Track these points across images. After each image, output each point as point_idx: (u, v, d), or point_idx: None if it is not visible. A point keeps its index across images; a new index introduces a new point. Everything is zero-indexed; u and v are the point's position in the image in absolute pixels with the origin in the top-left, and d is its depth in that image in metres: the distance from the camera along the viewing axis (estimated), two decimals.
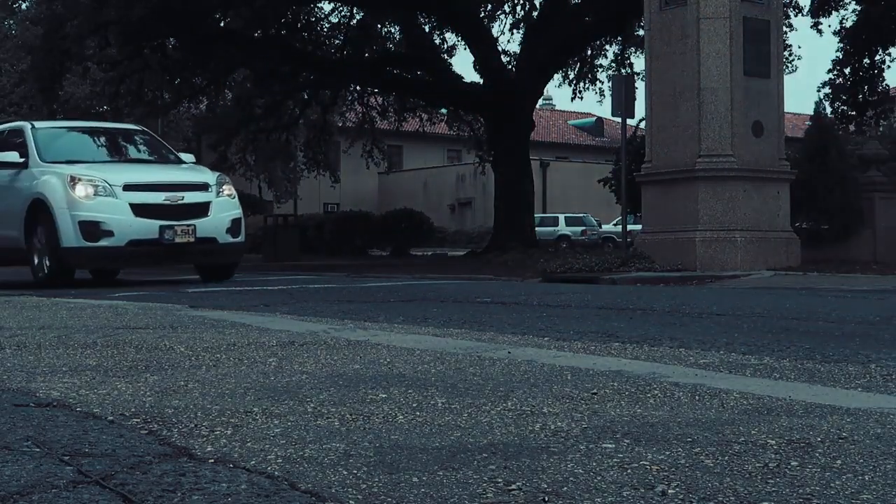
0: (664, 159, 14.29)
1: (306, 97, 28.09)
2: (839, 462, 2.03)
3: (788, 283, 11.00)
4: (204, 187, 11.59)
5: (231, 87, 28.17)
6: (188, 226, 11.22)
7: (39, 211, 11.22)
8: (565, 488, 1.83)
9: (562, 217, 42.84)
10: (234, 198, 11.88)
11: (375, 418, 2.51)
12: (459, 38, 27.16)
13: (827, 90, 24.98)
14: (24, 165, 11.71)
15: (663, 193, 14.29)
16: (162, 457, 2.09)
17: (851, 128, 25.79)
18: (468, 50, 25.83)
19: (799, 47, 61.95)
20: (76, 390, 2.95)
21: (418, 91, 27.46)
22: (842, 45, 24.21)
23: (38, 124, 12.70)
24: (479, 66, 25.49)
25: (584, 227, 41.66)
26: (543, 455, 2.10)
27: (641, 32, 20.65)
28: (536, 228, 26.39)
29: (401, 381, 3.13)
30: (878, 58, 24.50)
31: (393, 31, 28.22)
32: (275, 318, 5.69)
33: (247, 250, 18.31)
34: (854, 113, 24.73)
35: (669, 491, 1.82)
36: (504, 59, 26.26)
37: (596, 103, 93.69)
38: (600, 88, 28.66)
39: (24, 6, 28.86)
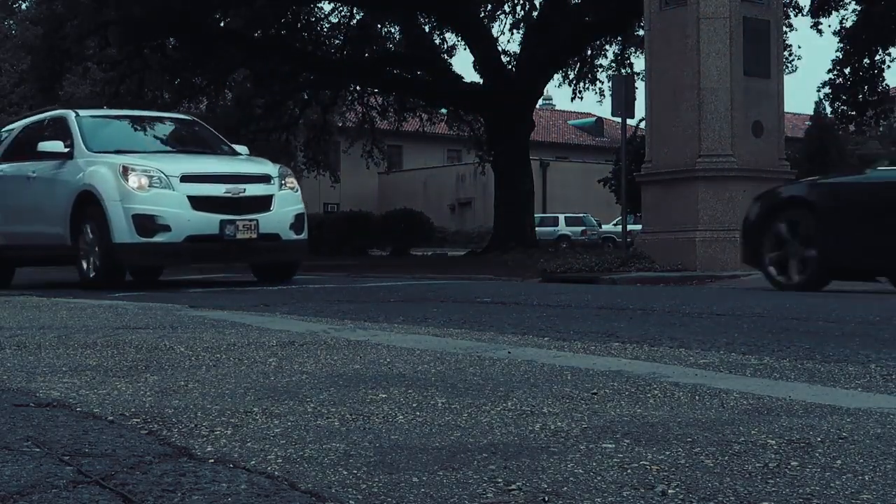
0: (664, 159, 14.29)
1: (306, 97, 28.10)
2: (839, 462, 2.03)
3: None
4: (266, 179, 10.67)
5: (231, 87, 28.17)
6: (250, 221, 10.27)
7: (87, 204, 10.34)
8: (565, 488, 1.83)
9: (562, 217, 42.85)
10: (296, 191, 10.96)
11: (375, 418, 2.51)
12: (459, 38, 27.17)
13: (827, 90, 25.00)
14: (69, 156, 10.80)
15: (663, 193, 14.28)
16: (162, 457, 2.09)
17: (851, 128, 25.81)
18: (468, 50, 25.83)
19: (799, 47, 62.00)
20: (76, 390, 2.95)
21: (418, 91, 27.46)
22: (842, 45, 24.21)
23: (82, 112, 11.80)
24: (479, 66, 25.49)
25: (584, 227, 41.68)
26: (543, 455, 2.10)
27: (641, 32, 20.65)
28: (536, 228, 26.39)
29: (401, 381, 3.13)
30: (878, 58, 24.51)
31: (393, 31, 28.23)
32: (275, 318, 5.69)
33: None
34: (854, 113, 24.75)
35: (669, 491, 1.82)
36: (504, 59, 26.26)
37: (596, 103, 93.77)
38: (600, 88, 28.68)
39: (24, 6, 28.86)
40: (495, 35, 27.15)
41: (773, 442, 2.22)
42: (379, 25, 27.62)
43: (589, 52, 27.86)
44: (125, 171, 10.07)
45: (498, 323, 5.45)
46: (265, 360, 3.66)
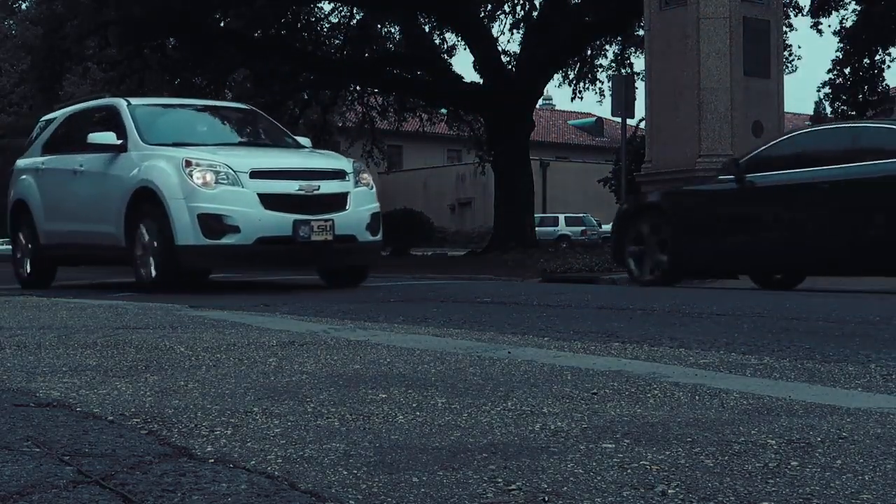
0: (664, 159, 14.29)
1: (306, 97, 28.11)
2: (839, 462, 2.03)
3: (788, 284, 10.98)
4: (340, 175, 9.67)
5: (231, 87, 28.18)
6: (326, 221, 9.28)
7: (144, 202, 9.38)
8: (565, 488, 1.83)
9: (562, 217, 42.85)
10: (372, 188, 9.98)
11: (375, 418, 2.51)
12: (459, 38, 27.17)
13: (827, 90, 25.03)
14: (122, 148, 9.82)
15: None
16: (162, 457, 2.09)
17: None
18: (468, 50, 25.83)
19: (799, 47, 62.01)
20: (76, 390, 2.95)
21: (418, 91, 27.47)
22: (842, 45, 24.23)
23: (133, 101, 10.78)
24: (479, 66, 25.49)
25: (584, 227, 41.67)
26: (543, 455, 2.10)
27: (641, 32, 20.66)
28: (536, 228, 26.39)
29: (401, 381, 3.13)
30: (878, 58, 24.54)
31: (393, 31, 28.24)
32: (275, 318, 5.69)
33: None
34: (854, 113, 24.75)
35: (669, 491, 1.82)
36: (504, 59, 26.26)
37: (596, 103, 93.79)
38: (600, 88, 28.69)
39: (24, 6, 28.86)
40: (495, 35, 27.18)
41: (773, 442, 2.22)
42: (379, 25, 27.63)
43: (589, 52, 27.87)
44: (189, 165, 9.11)
45: (498, 323, 5.45)
46: (265, 360, 3.66)
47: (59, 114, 11.94)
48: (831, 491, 1.82)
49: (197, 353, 3.85)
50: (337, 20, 27.69)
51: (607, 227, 40.88)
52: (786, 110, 15.64)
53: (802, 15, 25.21)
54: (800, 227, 9.45)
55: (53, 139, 11.54)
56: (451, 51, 28.36)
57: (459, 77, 26.04)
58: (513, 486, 1.84)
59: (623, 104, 17.00)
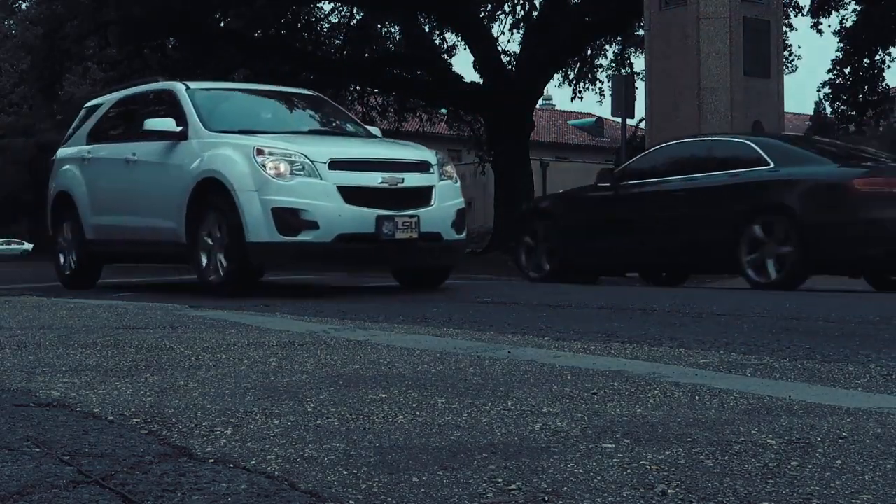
0: None
1: None
2: (839, 462, 2.03)
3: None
4: (424, 167, 8.78)
5: None
6: (411, 217, 8.41)
7: (210, 194, 8.48)
8: (565, 488, 1.83)
9: None
10: (456, 182, 9.12)
11: (375, 418, 2.51)
12: (459, 38, 27.17)
13: (827, 90, 25.00)
14: (182, 136, 8.93)
15: None
16: (162, 457, 2.09)
17: (851, 128, 25.80)
18: (468, 50, 25.82)
19: (799, 47, 61.95)
20: (76, 390, 2.95)
21: (418, 91, 27.46)
22: (842, 45, 24.22)
23: (192, 84, 9.86)
24: (479, 66, 25.49)
25: None
26: (543, 455, 2.09)
27: (641, 32, 20.66)
28: None
29: (401, 381, 3.13)
30: (878, 58, 24.52)
31: (393, 31, 28.24)
32: (275, 318, 5.69)
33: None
34: (854, 113, 24.75)
35: (669, 491, 1.82)
36: (504, 59, 26.26)
37: (596, 103, 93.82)
38: (600, 88, 28.69)
39: (24, 6, 28.88)
40: (495, 35, 27.17)
41: (773, 442, 2.22)
42: (379, 25, 27.63)
43: (589, 52, 27.87)
44: (261, 154, 8.23)
45: (498, 323, 5.45)
46: (265, 360, 3.66)
47: (106, 99, 10.99)
48: (831, 491, 1.82)
49: (197, 353, 3.85)
50: (337, 20, 27.70)
51: None
52: (786, 110, 15.66)
53: (802, 15, 25.21)
54: (654, 230, 10.70)
55: (100, 126, 10.64)
56: (451, 51, 28.36)
57: (459, 77, 26.04)
58: (513, 486, 1.84)
59: (623, 104, 17.01)
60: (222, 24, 25.36)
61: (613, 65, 27.73)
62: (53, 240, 10.90)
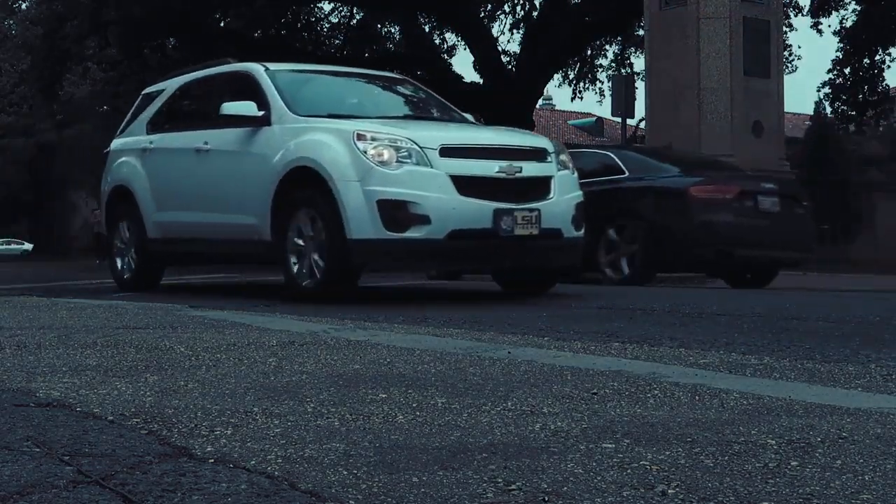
0: None
1: None
2: (839, 462, 2.03)
3: (788, 284, 11.00)
4: (542, 155, 7.76)
5: None
6: (531, 211, 7.41)
7: (300, 185, 7.48)
8: (565, 488, 1.83)
9: None
10: (574, 173, 8.05)
11: (375, 418, 2.51)
12: (459, 38, 27.21)
13: (827, 90, 25.02)
14: (265, 121, 7.94)
15: None
16: (162, 457, 2.09)
17: (851, 128, 25.81)
18: (468, 50, 25.85)
19: (799, 47, 62.00)
20: (76, 390, 2.95)
21: None
22: (842, 45, 24.23)
23: (272, 66, 8.84)
24: (479, 66, 25.51)
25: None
26: (543, 455, 2.09)
27: (641, 32, 20.66)
28: None
29: (401, 381, 3.13)
30: (878, 58, 24.54)
31: (393, 31, 28.27)
32: (275, 318, 5.69)
33: None
34: (854, 113, 24.77)
35: (669, 491, 1.82)
36: (504, 59, 26.29)
37: (596, 103, 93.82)
38: (600, 88, 28.72)
39: (24, 6, 28.90)
40: (495, 35, 27.20)
41: (773, 442, 2.22)
42: (379, 25, 27.64)
43: (589, 52, 27.90)
44: (361, 139, 7.21)
45: (498, 323, 5.45)
46: (265, 360, 3.66)
47: (167, 85, 9.98)
48: (831, 491, 1.82)
49: (197, 353, 3.85)
50: (337, 20, 27.73)
51: None
52: (786, 110, 15.66)
53: (802, 15, 25.24)
54: None
55: (162, 114, 9.70)
56: (451, 51, 28.40)
57: (459, 77, 26.07)
58: (513, 486, 1.84)
59: (623, 104, 17.02)
60: (222, 24, 25.37)
61: (613, 65, 27.77)
62: (108, 241, 10.06)
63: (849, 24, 23.97)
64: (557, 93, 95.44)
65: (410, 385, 3.04)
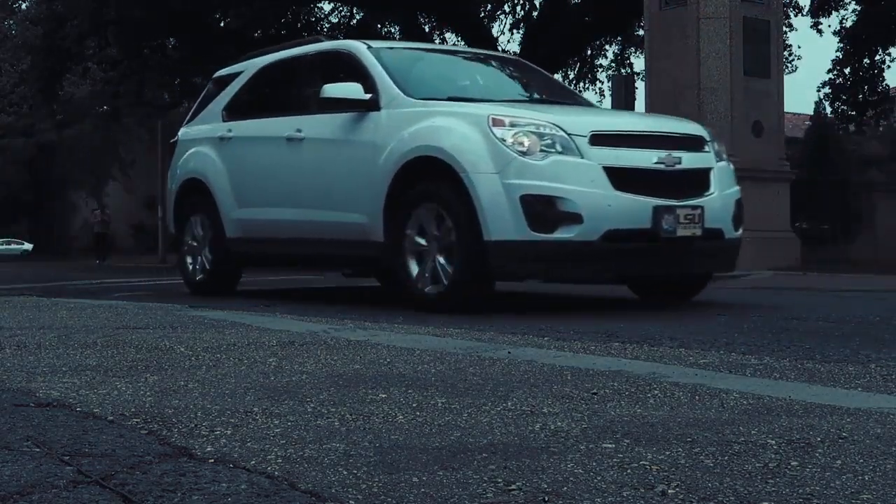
0: None
1: None
2: (839, 462, 2.03)
3: (788, 283, 11.00)
4: (699, 144, 6.86)
5: None
6: (693, 209, 6.48)
7: (422, 178, 6.54)
8: (565, 488, 1.83)
9: None
10: (731, 165, 7.14)
11: (375, 418, 2.51)
12: (459, 38, 27.18)
13: (827, 90, 25.01)
14: (373, 105, 7.00)
15: None
16: (162, 457, 2.09)
17: (851, 128, 25.82)
18: None
19: (799, 47, 61.95)
20: (76, 390, 2.95)
21: None
22: (842, 45, 24.23)
23: (374, 44, 7.84)
24: None
25: None
26: (543, 455, 2.10)
27: (641, 32, 20.66)
28: None
29: (401, 381, 3.13)
30: (878, 58, 24.53)
31: (393, 31, 28.25)
32: (275, 318, 5.69)
33: None
34: (854, 113, 24.76)
35: (669, 491, 1.82)
36: None
37: (596, 103, 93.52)
38: (600, 88, 28.77)
39: (24, 6, 28.91)
40: (495, 35, 27.17)
41: (773, 442, 2.22)
42: (379, 25, 27.63)
43: (589, 52, 27.89)
44: (498, 125, 6.26)
45: (498, 323, 5.45)
46: (265, 360, 3.66)
47: (246, 66, 8.94)
48: (831, 491, 1.82)
49: (197, 353, 3.85)
50: (337, 20, 27.72)
51: None
52: (786, 110, 15.66)
53: (802, 15, 25.22)
54: None
55: (242, 99, 8.76)
56: None
57: None
58: (513, 486, 1.84)
59: (623, 104, 17.01)
60: (222, 24, 25.37)
61: (613, 65, 27.76)
62: (177, 239, 9.07)
63: (849, 24, 23.97)
64: None
65: (410, 385, 3.04)
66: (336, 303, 7.66)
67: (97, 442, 2.23)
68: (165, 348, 4.03)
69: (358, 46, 7.66)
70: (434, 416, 2.55)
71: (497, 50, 25.65)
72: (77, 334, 4.62)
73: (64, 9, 21.35)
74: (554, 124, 6.27)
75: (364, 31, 26.71)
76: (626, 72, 25.68)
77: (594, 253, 6.23)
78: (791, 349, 4.13)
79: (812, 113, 34.38)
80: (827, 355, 3.88)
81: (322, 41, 8.52)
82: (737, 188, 7.05)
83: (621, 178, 6.24)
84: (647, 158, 6.39)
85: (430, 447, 2.18)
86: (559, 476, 1.92)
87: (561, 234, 6.12)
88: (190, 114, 9.45)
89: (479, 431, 2.35)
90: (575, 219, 6.12)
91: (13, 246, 52.72)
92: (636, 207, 6.24)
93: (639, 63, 38.72)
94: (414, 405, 2.70)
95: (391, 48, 8.06)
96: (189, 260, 8.80)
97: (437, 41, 27.58)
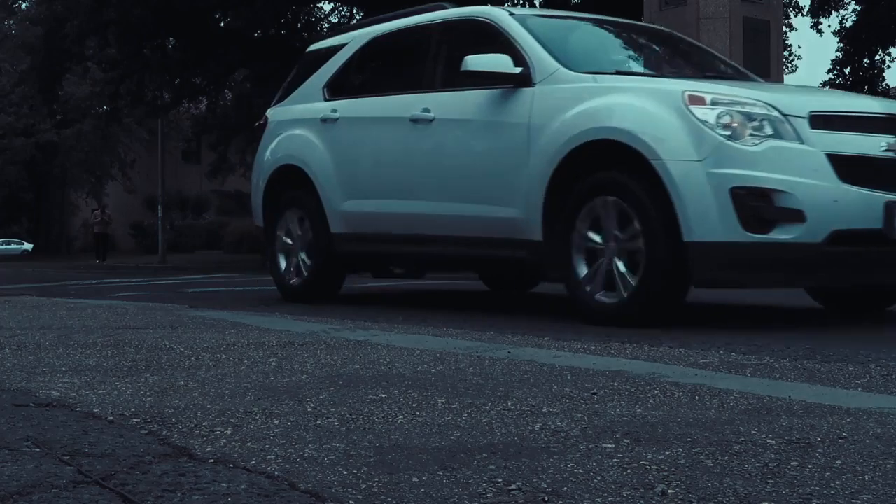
0: None
1: None
2: (839, 462, 2.03)
3: None
4: None
5: (231, 87, 28.20)
6: None
7: (594, 166, 5.57)
8: (565, 488, 1.83)
9: None
10: None
11: (375, 418, 2.51)
12: None
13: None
14: (524, 80, 6.01)
15: None
16: (162, 457, 2.09)
17: None
18: None
19: (799, 47, 62.01)
20: (76, 390, 2.95)
21: None
22: (842, 45, 24.24)
23: (517, 11, 7.07)
24: None
25: None
26: (543, 455, 2.09)
27: None
28: None
29: (401, 381, 3.13)
30: (878, 58, 24.55)
31: None
32: (275, 318, 5.69)
33: (241, 251, 17.47)
34: None
35: (669, 491, 1.82)
36: None
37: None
38: None
39: (24, 6, 28.90)
40: None
41: (773, 442, 2.22)
42: None
43: None
44: (698, 103, 5.31)
45: (498, 323, 5.45)
46: (265, 360, 3.66)
47: (351, 38, 7.85)
48: (831, 491, 1.82)
49: (197, 353, 3.85)
50: (337, 20, 27.71)
51: None
52: None
53: (802, 15, 25.25)
54: None
55: (350, 74, 7.75)
56: None
57: None
58: (513, 486, 1.84)
59: None
60: (222, 24, 25.37)
61: None
62: (267, 236, 7.97)
63: (849, 24, 23.99)
64: None
65: (410, 385, 3.04)
66: (337, 302, 7.65)
67: (97, 442, 2.23)
68: (165, 348, 4.03)
69: (499, 13, 6.63)
70: (434, 416, 2.55)
71: None
72: (77, 334, 4.62)
73: (64, 9, 21.35)
74: (766, 103, 5.29)
75: None
76: None
77: (818, 258, 5.23)
78: (791, 349, 4.13)
79: None
80: (827, 355, 3.88)
81: (447, 7, 7.27)
82: None
83: (847, 167, 5.23)
84: (873, 144, 5.36)
85: (430, 447, 2.18)
86: (559, 476, 1.92)
87: (778, 234, 5.14)
88: (280, 93, 8.35)
89: (479, 431, 2.35)
90: (796, 217, 5.12)
91: (13, 246, 52.73)
92: (866, 203, 5.23)
93: None
94: (414, 405, 2.70)
95: (537, 15, 7.01)
96: (282, 261, 7.75)
97: None
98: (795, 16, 25.47)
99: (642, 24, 8.18)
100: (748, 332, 5.01)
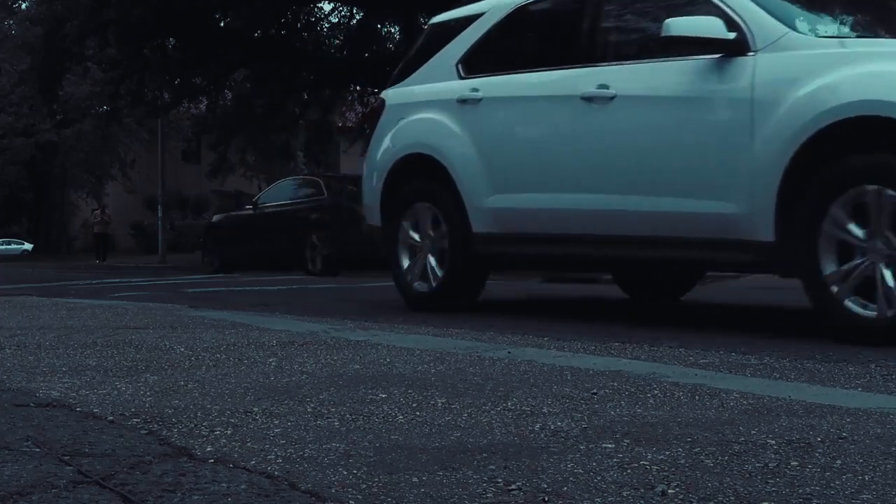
0: None
1: (306, 97, 28.12)
2: (839, 462, 2.03)
3: (789, 283, 11.00)
4: None
5: (231, 87, 28.20)
6: None
7: (842, 148, 4.55)
8: (565, 488, 1.83)
9: None
10: None
11: (375, 418, 2.51)
12: None
13: None
14: (739, 48, 4.98)
15: None
16: (162, 457, 2.09)
17: None
18: None
19: None
20: (76, 390, 2.95)
21: None
22: None
23: None
24: None
25: None
26: (543, 455, 2.10)
27: None
28: None
29: (401, 381, 3.13)
30: None
31: (393, 31, 28.26)
32: (275, 318, 5.69)
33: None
34: None
35: (669, 491, 1.82)
36: None
37: None
38: None
39: (24, 6, 28.91)
40: None
41: (773, 442, 2.22)
42: (379, 25, 27.63)
43: None
44: None
45: (498, 323, 5.45)
46: (265, 360, 3.66)
47: (486, 6, 6.69)
48: (831, 491, 1.82)
49: (197, 353, 3.85)
50: (337, 20, 27.72)
51: None
52: None
53: None
54: (264, 238, 16.87)
55: (491, 48, 6.56)
56: None
57: None
58: (513, 486, 1.84)
59: None
60: (222, 24, 25.37)
61: None
62: (387, 235, 6.89)
63: None
64: None
65: (410, 385, 3.04)
66: (337, 302, 7.63)
67: (97, 442, 2.23)
68: (165, 348, 4.04)
69: None
70: (434, 416, 2.55)
71: None
72: (77, 334, 4.62)
73: (64, 9, 21.33)
74: None
75: (364, 31, 26.75)
76: None
77: None
78: (791, 349, 4.13)
79: None
80: (827, 355, 3.88)
81: None
82: None
83: None
84: None
85: (430, 447, 2.18)
86: (559, 476, 1.92)
87: None
88: (398, 70, 7.22)
89: (479, 431, 2.35)
90: None
91: (13, 246, 52.73)
92: None
93: None
94: (414, 405, 2.70)
95: None
96: (405, 261, 6.72)
97: None
98: None
99: None
100: (748, 332, 5.02)
